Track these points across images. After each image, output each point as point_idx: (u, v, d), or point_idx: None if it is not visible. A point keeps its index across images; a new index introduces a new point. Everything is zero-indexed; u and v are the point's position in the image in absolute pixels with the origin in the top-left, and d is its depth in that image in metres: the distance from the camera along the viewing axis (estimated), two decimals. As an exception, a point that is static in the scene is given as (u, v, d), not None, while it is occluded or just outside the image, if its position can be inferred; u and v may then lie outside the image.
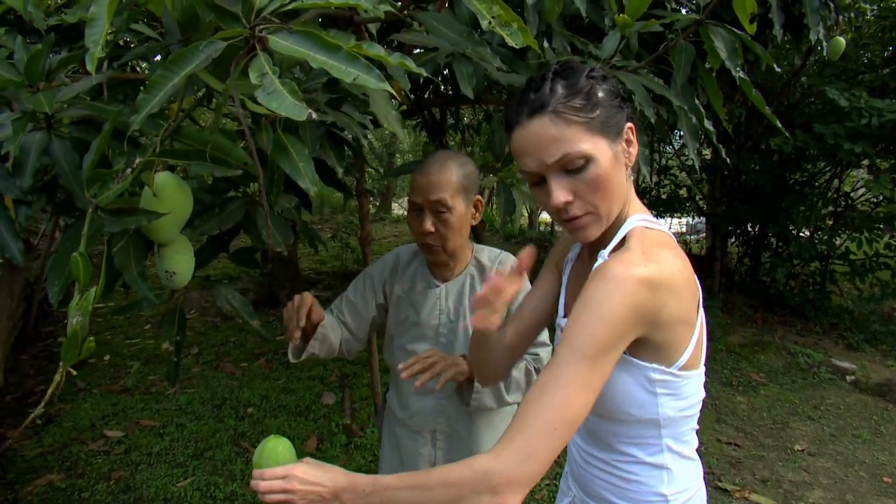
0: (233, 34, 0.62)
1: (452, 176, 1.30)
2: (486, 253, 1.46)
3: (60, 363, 0.75)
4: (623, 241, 0.90)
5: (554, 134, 0.84)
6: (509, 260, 1.45)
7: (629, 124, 0.89)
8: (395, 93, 0.63)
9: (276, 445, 0.93)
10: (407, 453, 1.48)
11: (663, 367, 0.88)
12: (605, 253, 0.90)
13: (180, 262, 0.97)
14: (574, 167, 0.84)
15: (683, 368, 0.89)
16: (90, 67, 0.61)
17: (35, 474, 2.69)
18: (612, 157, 0.86)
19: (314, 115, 0.58)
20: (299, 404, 3.43)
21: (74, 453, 2.87)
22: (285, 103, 0.59)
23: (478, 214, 1.39)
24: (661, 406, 0.90)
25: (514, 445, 0.75)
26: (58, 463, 2.79)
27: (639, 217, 0.92)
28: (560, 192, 0.86)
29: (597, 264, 0.89)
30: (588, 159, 0.84)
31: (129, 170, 0.75)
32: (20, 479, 2.66)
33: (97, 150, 0.74)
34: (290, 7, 0.62)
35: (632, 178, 0.95)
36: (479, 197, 1.38)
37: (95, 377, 3.74)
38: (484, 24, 0.80)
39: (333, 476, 0.83)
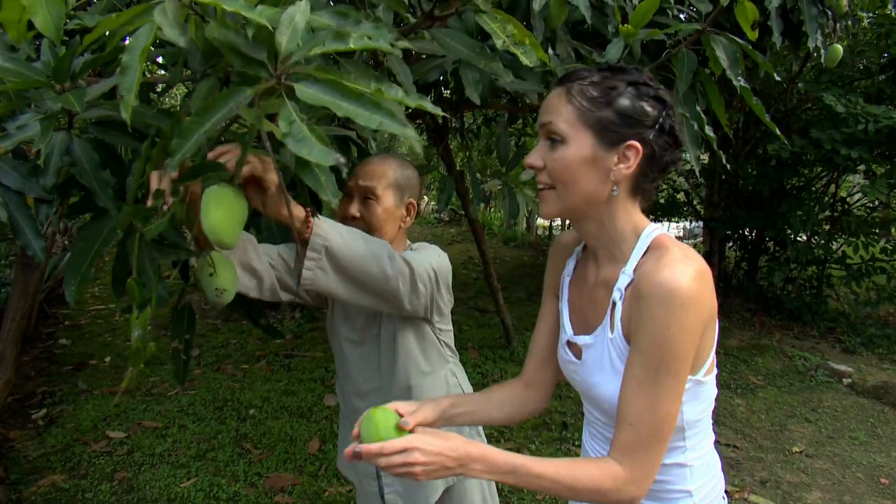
0: (260, 84, 0.67)
1: (388, 170, 1.32)
2: (415, 248, 1.42)
3: (129, 367, 0.83)
4: (647, 250, 0.90)
5: (554, 104, 0.90)
6: (421, 245, 1.39)
7: (634, 144, 0.86)
8: (414, 135, 0.67)
9: (386, 417, 0.88)
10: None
11: (690, 377, 0.89)
12: (628, 269, 0.90)
13: (228, 280, 0.99)
14: (553, 139, 0.89)
15: (707, 373, 0.92)
16: (125, 115, 0.65)
17: (38, 475, 2.70)
18: (589, 155, 0.87)
19: (342, 161, 0.62)
20: (301, 406, 3.45)
21: (77, 454, 2.88)
22: (314, 151, 0.63)
23: (409, 219, 1.39)
24: (685, 413, 0.91)
25: (642, 463, 0.85)
26: (61, 464, 2.80)
27: (654, 226, 0.93)
28: (534, 154, 0.91)
29: (623, 279, 0.89)
30: (564, 140, 0.87)
31: (164, 207, 0.81)
32: (23, 479, 2.67)
33: (135, 182, 0.79)
34: (316, 52, 0.65)
35: (632, 200, 0.93)
36: (413, 202, 1.38)
37: (97, 379, 3.75)
38: (499, 43, 0.82)
39: (457, 445, 0.83)
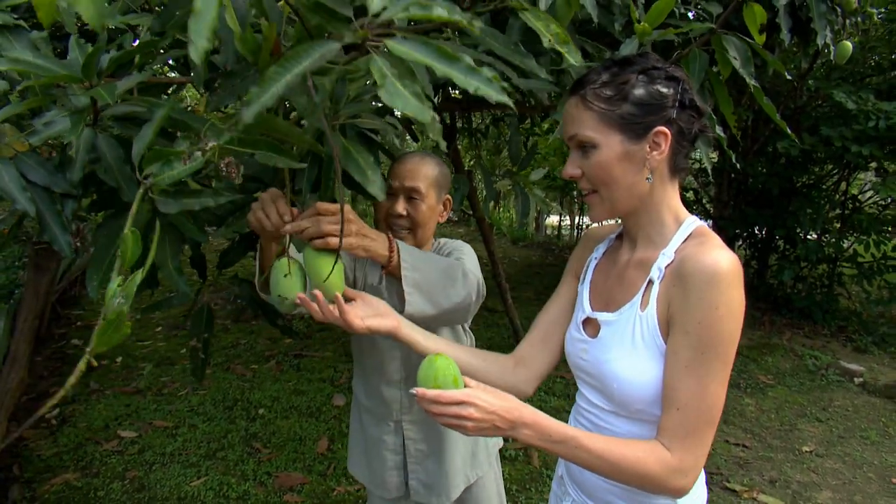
0: (349, 37, 0.63)
1: (430, 170, 1.36)
2: (442, 244, 1.47)
3: (88, 347, 0.67)
4: (689, 236, 0.92)
5: (573, 114, 0.92)
6: (455, 245, 1.44)
7: (662, 129, 0.89)
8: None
9: (447, 365, 0.85)
10: (371, 440, 1.50)
11: None
12: (668, 251, 0.91)
13: (290, 289, 0.97)
14: (584, 147, 0.91)
15: None
16: (196, 59, 0.59)
17: (52, 473, 2.73)
18: (621, 152, 0.89)
19: (437, 118, 0.59)
20: (310, 406, 3.46)
21: (89, 453, 2.91)
22: (410, 104, 0.61)
23: (445, 213, 1.44)
24: None
25: (690, 450, 0.85)
26: (73, 462, 2.83)
27: (694, 217, 0.95)
28: (570, 165, 0.94)
29: (663, 259, 0.91)
30: (594, 145, 0.90)
31: (198, 153, 0.74)
32: (37, 478, 2.70)
33: (154, 130, 0.75)
34: (401, 16, 0.63)
35: (671, 181, 0.95)
36: (449, 197, 1.44)
37: (108, 378, 3.79)
38: (545, 41, 0.82)
39: (513, 406, 0.84)
